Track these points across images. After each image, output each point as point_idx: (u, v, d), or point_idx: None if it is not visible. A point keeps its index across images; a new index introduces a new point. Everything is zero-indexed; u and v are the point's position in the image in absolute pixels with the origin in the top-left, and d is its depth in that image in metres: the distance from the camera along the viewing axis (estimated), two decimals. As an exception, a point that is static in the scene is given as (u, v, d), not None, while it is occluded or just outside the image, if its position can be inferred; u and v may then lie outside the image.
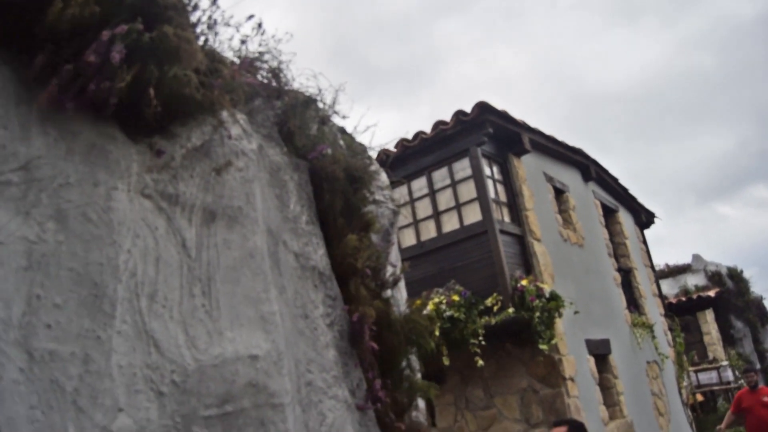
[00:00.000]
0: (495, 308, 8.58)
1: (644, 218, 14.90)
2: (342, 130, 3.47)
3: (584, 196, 11.91)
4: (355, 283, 2.95)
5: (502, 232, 8.95)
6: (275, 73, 2.99)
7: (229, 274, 2.20)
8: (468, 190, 9.16)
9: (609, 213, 13.23)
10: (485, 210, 8.90)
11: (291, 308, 2.53)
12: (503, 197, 9.49)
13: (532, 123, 10.26)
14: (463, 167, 9.25)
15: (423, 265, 9.28)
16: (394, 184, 4.33)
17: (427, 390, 3.19)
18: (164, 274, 2.03)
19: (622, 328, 11.36)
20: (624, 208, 13.96)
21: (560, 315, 8.93)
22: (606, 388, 10.29)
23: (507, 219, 9.38)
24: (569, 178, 11.45)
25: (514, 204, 9.51)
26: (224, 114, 2.38)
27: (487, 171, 9.23)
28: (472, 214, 9.08)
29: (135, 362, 1.87)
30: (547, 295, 8.71)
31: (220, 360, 2.05)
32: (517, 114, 9.83)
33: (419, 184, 9.57)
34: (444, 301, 8.70)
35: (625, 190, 13.47)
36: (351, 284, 2.95)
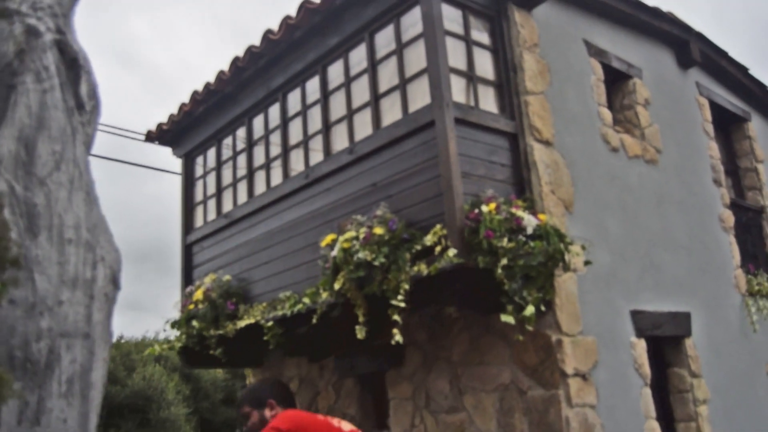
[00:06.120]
0: (437, 249, 5.08)
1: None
2: None
3: (676, 89, 7.55)
4: None
5: (464, 122, 5.34)
6: None
7: None
8: (418, 58, 5.61)
9: (730, 121, 8.55)
10: (435, 86, 5.33)
11: None
12: (488, 73, 5.81)
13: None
14: (413, 21, 5.70)
15: (356, 178, 5.92)
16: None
17: None
18: None
19: (724, 298, 7.08)
20: (762, 116, 9.02)
21: (566, 266, 5.21)
22: (677, 391, 6.30)
23: (492, 107, 5.71)
24: (646, 56, 7.21)
25: (506, 84, 5.79)
26: None
27: (452, 25, 5.61)
28: (420, 97, 5.54)
29: None
30: (530, 230, 5.03)
31: None
32: None
33: (358, 55, 6.12)
34: (361, 236, 5.33)
35: (762, 87, 8.53)
36: None
